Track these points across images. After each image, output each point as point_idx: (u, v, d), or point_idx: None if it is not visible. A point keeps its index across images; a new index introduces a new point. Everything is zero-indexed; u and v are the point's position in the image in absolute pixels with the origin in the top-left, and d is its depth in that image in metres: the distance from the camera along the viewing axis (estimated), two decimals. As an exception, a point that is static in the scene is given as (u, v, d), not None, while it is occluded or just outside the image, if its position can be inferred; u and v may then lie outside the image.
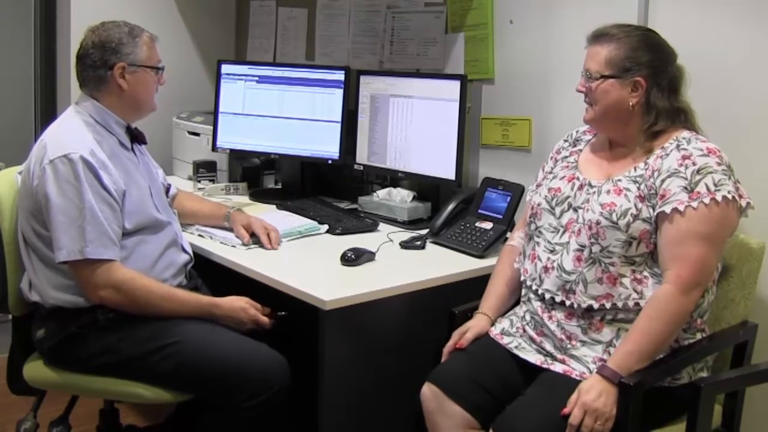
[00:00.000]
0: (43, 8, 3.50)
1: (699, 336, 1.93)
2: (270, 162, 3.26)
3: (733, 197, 1.84)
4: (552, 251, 1.99)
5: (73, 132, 2.15)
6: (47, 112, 3.56)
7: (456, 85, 2.67)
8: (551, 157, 2.18)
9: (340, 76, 2.96)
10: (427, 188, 2.83)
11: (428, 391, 2.01)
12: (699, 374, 1.94)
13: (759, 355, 2.05)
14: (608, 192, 1.93)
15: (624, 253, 1.88)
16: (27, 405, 2.36)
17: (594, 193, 1.96)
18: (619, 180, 1.94)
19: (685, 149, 1.88)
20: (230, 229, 2.49)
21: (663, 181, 1.87)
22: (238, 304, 2.18)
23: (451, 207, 2.57)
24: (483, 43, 2.78)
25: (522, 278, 2.08)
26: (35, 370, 2.22)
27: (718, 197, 1.82)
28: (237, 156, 3.17)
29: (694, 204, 1.83)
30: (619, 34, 1.96)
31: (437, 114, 2.72)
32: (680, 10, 2.27)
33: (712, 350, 1.99)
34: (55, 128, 2.20)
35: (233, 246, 2.42)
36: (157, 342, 2.09)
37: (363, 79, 2.94)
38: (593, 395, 1.78)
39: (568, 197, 2.01)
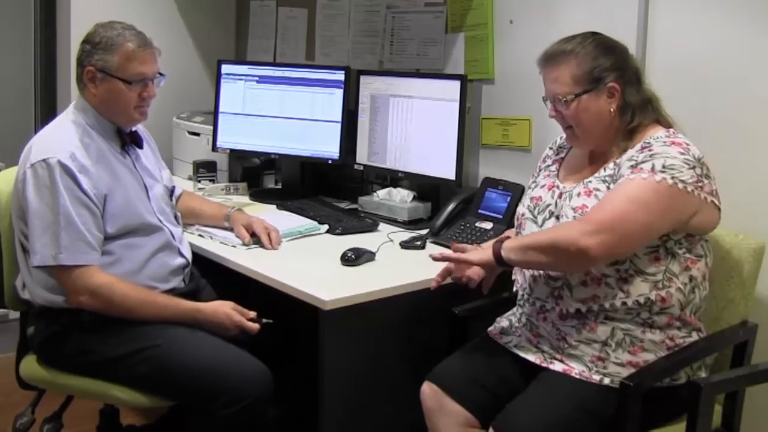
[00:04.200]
0: (43, 8, 3.50)
1: (695, 335, 1.92)
2: (270, 162, 3.26)
3: (684, 187, 1.80)
4: None
5: (58, 135, 2.15)
6: (47, 112, 3.55)
7: (456, 85, 2.67)
8: (538, 166, 2.18)
9: (340, 76, 2.97)
10: (427, 188, 2.83)
11: (428, 389, 2.01)
12: (697, 373, 1.94)
13: (759, 355, 2.05)
14: (579, 195, 1.93)
15: None
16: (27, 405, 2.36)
17: (567, 197, 1.96)
18: (590, 182, 1.93)
19: (648, 142, 1.88)
20: (230, 229, 2.49)
21: (622, 169, 1.88)
22: (222, 309, 2.15)
23: (451, 207, 2.58)
24: (483, 43, 2.77)
25: (514, 288, 2.09)
26: (29, 366, 2.24)
27: (658, 177, 1.80)
28: (237, 156, 3.17)
29: (632, 177, 1.82)
30: (573, 48, 1.92)
31: (437, 114, 2.72)
32: (680, 10, 2.27)
33: (712, 350, 1.99)
34: (44, 131, 2.21)
35: (233, 246, 2.42)
36: (136, 345, 2.08)
37: (363, 79, 2.94)
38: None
39: (549, 205, 2.00)
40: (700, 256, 1.90)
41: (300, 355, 2.31)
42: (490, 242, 1.99)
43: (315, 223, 2.63)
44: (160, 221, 2.26)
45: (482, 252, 1.97)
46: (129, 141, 2.26)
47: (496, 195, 2.54)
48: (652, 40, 2.32)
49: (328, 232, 2.59)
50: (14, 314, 3.22)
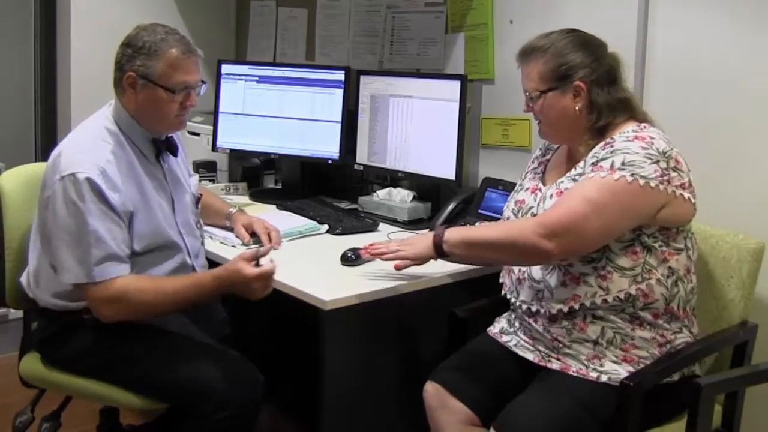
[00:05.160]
0: (43, 9, 3.51)
1: (685, 331, 1.91)
2: (270, 162, 3.26)
3: (646, 183, 1.79)
4: None
5: (89, 145, 2.05)
6: (47, 112, 3.56)
7: (456, 85, 2.67)
8: (526, 167, 2.18)
9: (340, 76, 2.97)
10: (427, 188, 2.83)
11: (431, 388, 2.01)
12: (691, 369, 1.94)
13: (759, 355, 2.05)
14: (551, 196, 1.93)
15: None
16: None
17: (542, 199, 1.96)
18: (562, 182, 1.94)
19: (612, 138, 1.88)
20: (231, 229, 2.49)
21: (586, 167, 1.88)
22: (235, 276, 1.98)
23: (451, 207, 2.58)
24: (483, 43, 2.78)
25: (503, 292, 2.09)
26: (28, 364, 2.24)
27: (616, 175, 1.79)
28: (237, 156, 3.17)
29: (591, 175, 1.83)
30: (545, 44, 1.93)
31: (437, 114, 2.72)
32: (680, 10, 2.27)
33: (712, 350, 1.99)
34: (77, 136, 2.12)
35: (233, 246, 2.42)
36: (133, 347, 2.07)
37: (363, 79, 2.94)
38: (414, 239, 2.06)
39: (531, 208, 2.00)
40: (679, 249, 1.88)
41: (300, 355, 2.31)
42: (429, 234, 2.02)
43: (315, 223, 2.63)
44: (181, 235, 2.20)
45: (420, 245, 2.02)
46: (164, 149, 2.19)
47: (496, 195, 2.54)
48: (652, 40, 2.32)
49: (328, 232, 2.59)
50: (14, 314, 3.24)
